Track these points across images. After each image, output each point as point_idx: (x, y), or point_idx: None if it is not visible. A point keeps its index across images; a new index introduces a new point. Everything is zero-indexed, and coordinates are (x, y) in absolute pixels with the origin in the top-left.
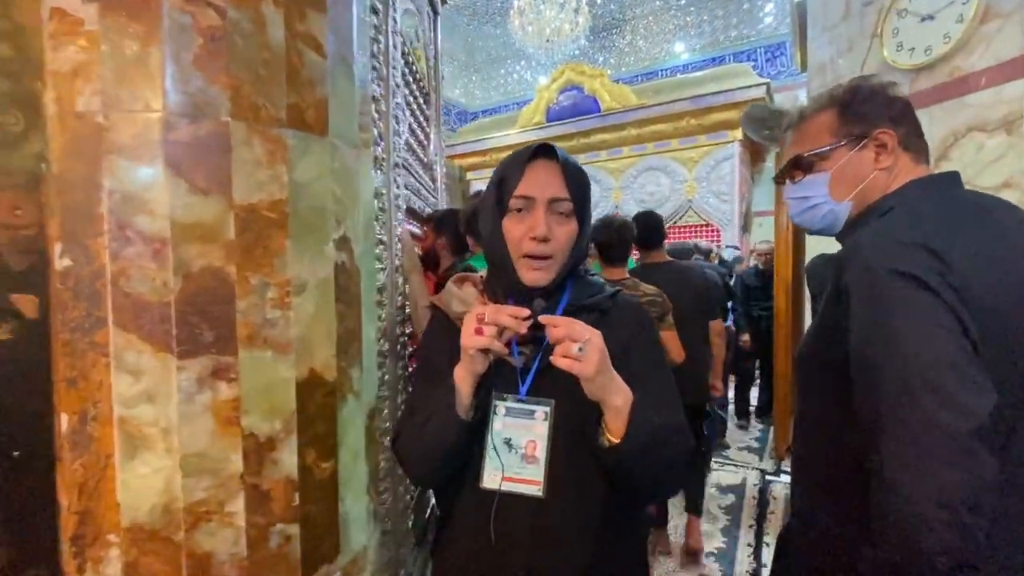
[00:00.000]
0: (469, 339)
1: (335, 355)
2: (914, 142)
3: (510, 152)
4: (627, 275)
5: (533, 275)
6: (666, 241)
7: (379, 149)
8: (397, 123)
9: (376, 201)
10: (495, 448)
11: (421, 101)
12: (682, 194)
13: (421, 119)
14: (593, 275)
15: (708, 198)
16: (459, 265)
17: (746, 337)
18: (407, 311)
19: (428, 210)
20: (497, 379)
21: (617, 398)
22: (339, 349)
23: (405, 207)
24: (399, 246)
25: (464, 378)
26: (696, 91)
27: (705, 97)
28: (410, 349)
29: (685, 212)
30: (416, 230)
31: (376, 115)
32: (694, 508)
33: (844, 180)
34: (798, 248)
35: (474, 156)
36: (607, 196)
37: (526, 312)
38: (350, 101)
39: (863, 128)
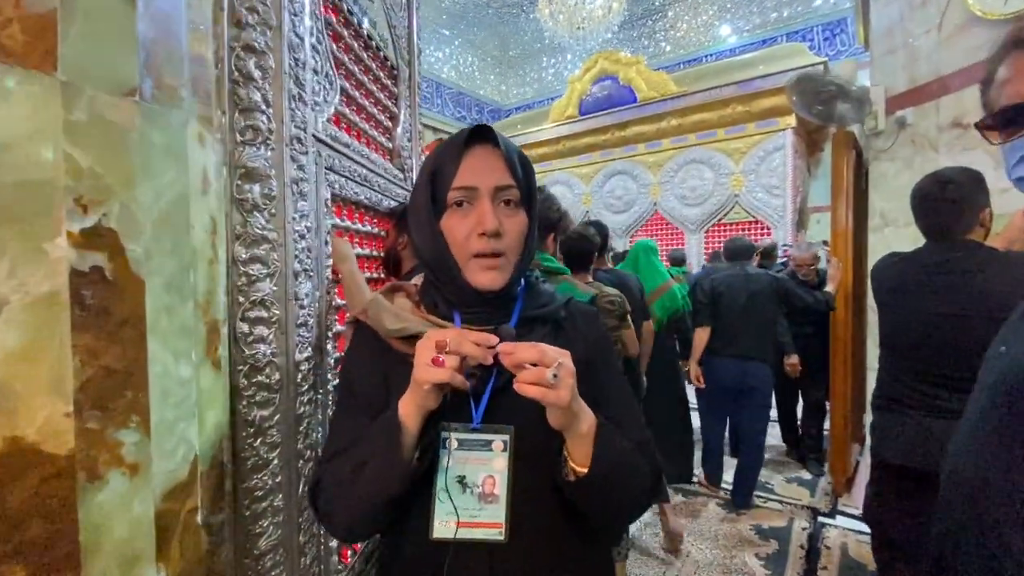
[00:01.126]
0: (425, 372)
1: (71, 412)
2: None
3: (542, 149)
4: (590, 279)
5: (486, 277)
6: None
7: (262, 119)
8: (301, 87)
9: (243, 184)
10: (447, 490)
11: (382, 75)
12: (728, 188)
13: (383, 96)
14: (539, 279)
15: (757, 192)
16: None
17: (794, 359)
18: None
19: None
20: (443, 408)
21: (583, 424)
22: (85, 401)
23: (329, 197)
24: (327, 248)
25: (412, 415)
26: (743, 75)
27: (753, 81)
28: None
29: (731, 208)
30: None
31: (236, 70)
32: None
33: None
34: (860, 249)
35: None
36: (644, 192)
37: (494, 340)
38: (125, 30)
39: None
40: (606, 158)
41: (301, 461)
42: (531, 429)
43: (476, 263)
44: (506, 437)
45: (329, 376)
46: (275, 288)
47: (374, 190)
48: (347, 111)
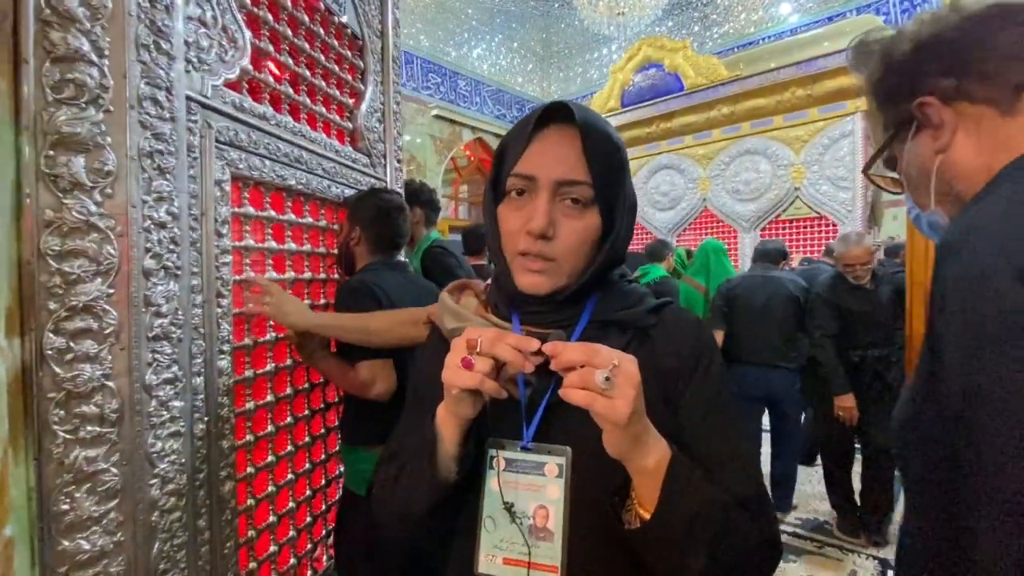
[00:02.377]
0: (453, 374)
1: None
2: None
3: None
4: None
5: (528, 279)
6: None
7: (91, 72)
8: (163, 36)
9: (55, 155)
10: (493, 518)
11: (336, 43)
12: (787, 181)
13: (336, 68)
14: (632, 281)
15: (820, 185)
16: (378, 266)
17: (847, 401)
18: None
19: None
20: (493, 419)
21: (650, 456)
22: None
23: (226, 178)
24: (223, 241)
25: (447, 423)
26: (805, 55)
27: (816, 60)
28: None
29: (791, 203)
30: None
31: (48, 7)
32: None
33: (911, 180)
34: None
35: None
36: (693, 187)
37: (535, 344)
38: None
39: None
40: (650, 152)
41: (158, 513)
42: (595, 453)
43: (520, 262)
44: (562, 460)
45: (224, 400)
46: (110, 291)
47: (315, 174)
48: (270, 79)
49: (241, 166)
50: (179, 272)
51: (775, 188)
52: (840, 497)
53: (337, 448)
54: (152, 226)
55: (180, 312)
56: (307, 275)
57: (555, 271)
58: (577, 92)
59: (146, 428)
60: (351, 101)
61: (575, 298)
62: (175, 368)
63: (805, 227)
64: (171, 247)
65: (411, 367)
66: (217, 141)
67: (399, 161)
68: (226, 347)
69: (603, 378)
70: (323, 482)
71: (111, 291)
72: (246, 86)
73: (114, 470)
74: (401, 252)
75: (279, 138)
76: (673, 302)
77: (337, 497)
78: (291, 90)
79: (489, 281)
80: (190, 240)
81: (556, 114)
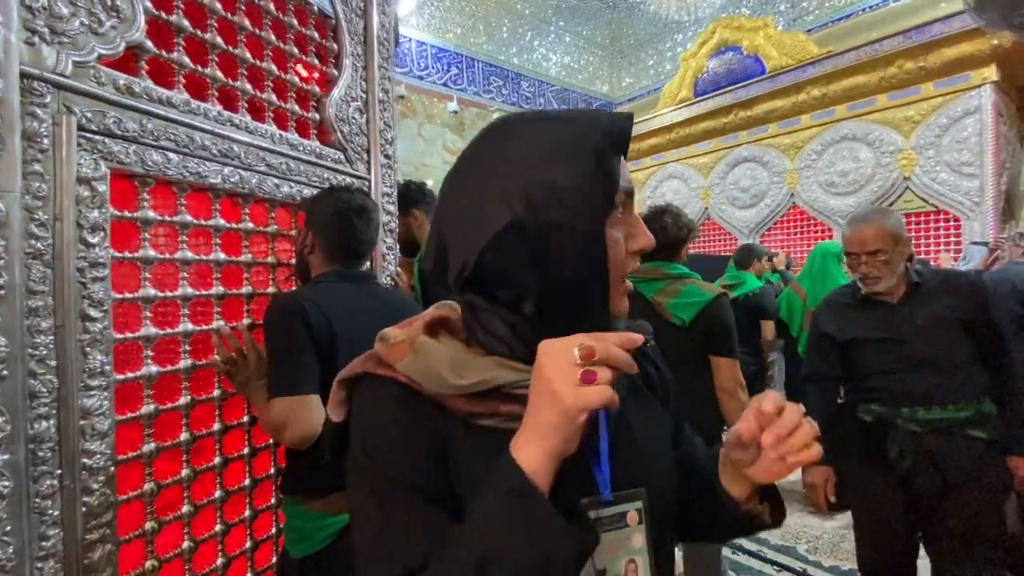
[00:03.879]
0: (583, 394)
1: None
2: None
3: (651, 140)
4: None
5: (625, 302)
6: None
7: None
8: None
9: None
10: None
11: (294, 21)
12: (894, 171)
13: (296, 51)
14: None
15: (937, 173)
16: (329, 277)
17: (817, 475)
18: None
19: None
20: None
21: None
22: None
23: (101, 174)
24: (93, 252)
25: (546, 469)
26: (914, 21)
27: (930, 26)
28: None
29: (899, 196)
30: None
31: None
32: None
33: None
34: None
35: None
36: (778, 182)
37: (640, 339)
38: None
39: None
40: (728, 143)
41: None
42: (660, 488)
43: (625, 287)
44: (639, 504)
45: (94, 446)
46: None
47: (255, 171)
48: (186, 60)
49: (128, 160)
50: (1, 291)
51: (878, 179)
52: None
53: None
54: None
55: (3, 342)
56: (246, 289)
57: None
58: (649, 86)
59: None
60: (318, 89)
61: None
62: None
63: (918, 224)
64: None
65: (354, 433)
66: (84, 130)
67: (388, 157)
68: (96, 381)
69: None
70: (248, 544)
71: None
72: (145, 66)
73: None
74: (365, 262)
75: (195, 128)
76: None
77: (271, 562)
78: (219, 73)
79: (452, 314)
80: (32, 251)
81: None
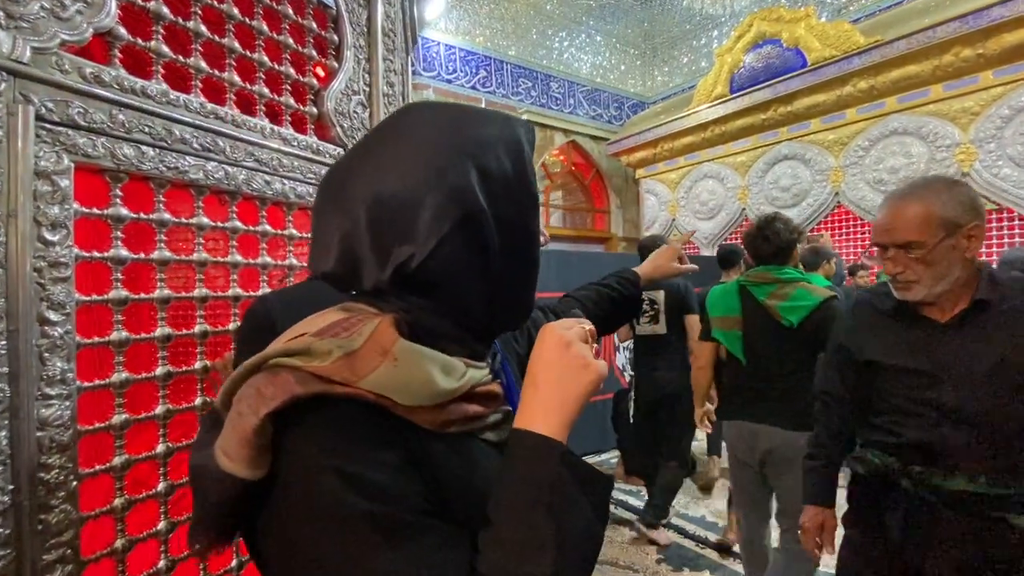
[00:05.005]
0: (604, 365)
1: None
2: None
3: (686, 138)
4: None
5: None
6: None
7: None
8: None
9: None
10: None
11: (290, 10)
12: (950, 166)
13: (292, 42)
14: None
15: (999, 167)
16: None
17: (809, 516)
18: None
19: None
20: None
21: None
22: None
23: (63, 167)
24: (53, 250)
25: (567, 433)
26: (971, 6)
27: (990, 10)
28: None
29: None
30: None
31: None
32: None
33: None
34: None
35: (642, 150)
36: (822, 180)
37: (589, 324)
38: None
39: None
40: (767, 141)
41: None
42: None
43: None
44: None
45: (54, 460)
46: None
47: (242, 167)
48: (164, 49)
49: (97, 153)
50: None
51: (934, 175)
52: None
53: None
54: None
55: None
56: (232, 292)
57: None
58: (683, 84)
59: None
60: (316, 82)
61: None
62: None
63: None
64: None
65: (325, 480)
66: (44, 120)
67: None
68: (56, 390)
69: None
70: (233, 563)
71: None
72: (118, 54)
73: None
74: None
75: (173, 120)
76: None
77: None
78: (203, 63)
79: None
80: None
81: None
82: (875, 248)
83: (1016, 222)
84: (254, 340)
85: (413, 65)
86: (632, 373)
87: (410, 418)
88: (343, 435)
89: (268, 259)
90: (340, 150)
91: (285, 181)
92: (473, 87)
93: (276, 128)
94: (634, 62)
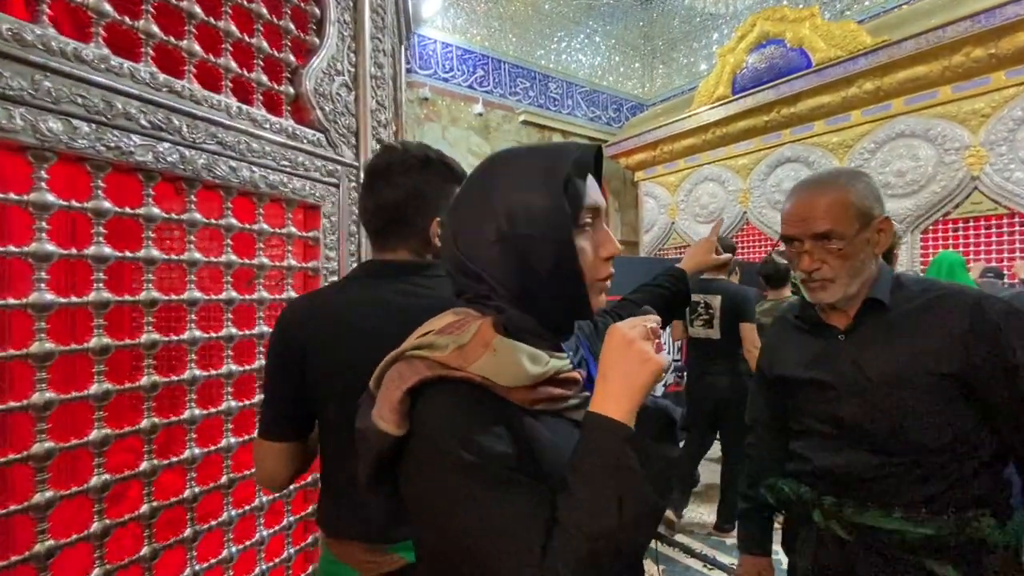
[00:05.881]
0: (664, 359)
1: None
2: None
3: (687, 140)
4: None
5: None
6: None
7: None
8: None
9: None
10: None
11: None
12: (959, 169)
13: (266, 12)
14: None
15: (1012, 171)
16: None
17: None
18: None
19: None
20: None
21: None
22: None
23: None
24: None
25: (633, 418)
26: (982, 4)
27: (1003, 8)
28: None
29: (967, 196)
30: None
31: None
32: None
33: None
34: None
35: (640, 152)
36: None
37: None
38: None
39: None
40: (770, 143)
41: None
42: None
43: (601, 286)
44: None
45: None
46: None
47: (202, 149)
48: (107, 8)
49: (13, 126)
50: None
51: (942, 179)
52: None
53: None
54: None
55: None
56: (189, 295)
57: None
58: (683, 85)
59: None
60: (294, 59)
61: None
62: None
63: (988, 228)
64: None
65: (441, 440)
66: None
67: (381, 142)
68: None
69: None
70: (224, 554)
71: None
72: (47, 10)
73: None
74: (394, 244)
75: (115, 92)
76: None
77: None
78: (155, 28)
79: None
80: None
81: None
82: (784, 243)
83: None
84: (283, 351)
85: (409, 63)
86: (670, 380)
87: (507, 397)
88: (458, 407)
89: (234, 257)
90: (320, 135)
91: (255, 168)
92: (470, 86)
93: (245, 107)
94: (633, 63)
